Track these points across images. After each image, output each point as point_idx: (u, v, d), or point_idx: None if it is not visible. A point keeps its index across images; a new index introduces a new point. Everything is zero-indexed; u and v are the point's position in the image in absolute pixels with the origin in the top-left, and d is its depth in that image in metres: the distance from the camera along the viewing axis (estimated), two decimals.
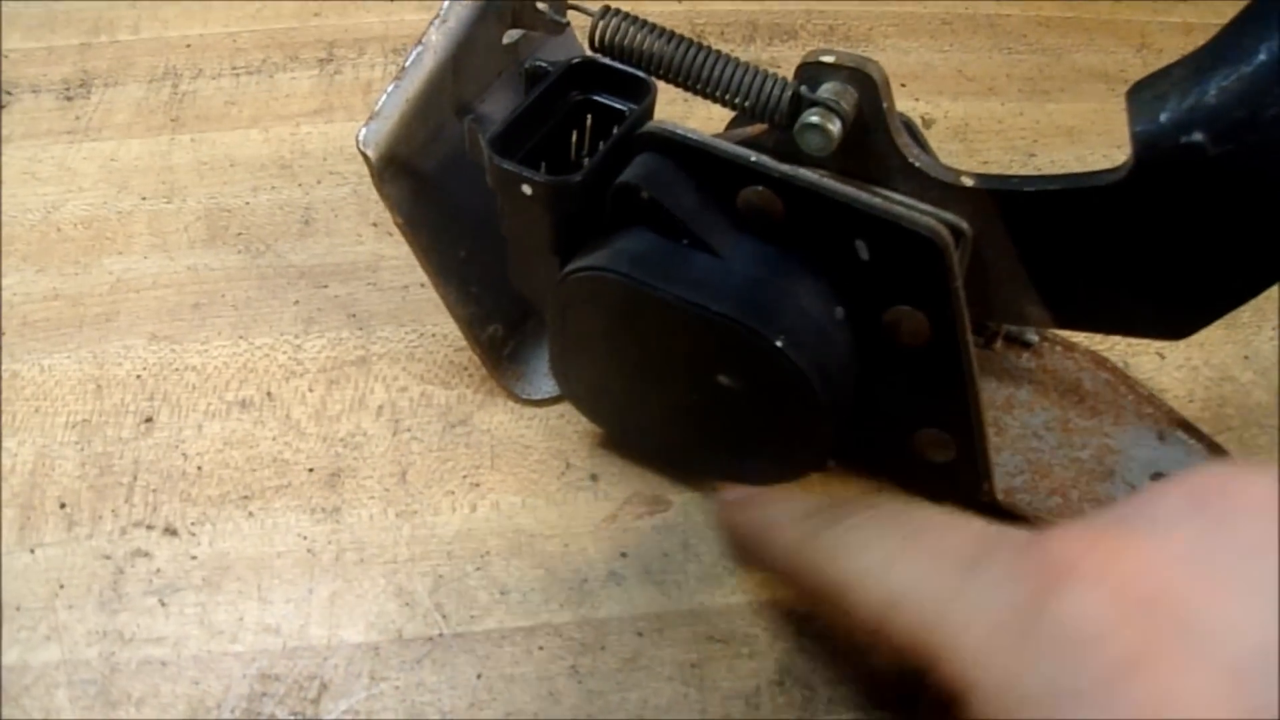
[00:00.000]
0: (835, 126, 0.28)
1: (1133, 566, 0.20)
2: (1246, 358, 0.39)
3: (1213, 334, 0.33)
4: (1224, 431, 0.36)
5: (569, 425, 0.36)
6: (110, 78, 0.50)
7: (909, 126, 0.31)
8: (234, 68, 0.51)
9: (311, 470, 0.35)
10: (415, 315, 0.40)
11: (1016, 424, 0.35)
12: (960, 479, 0.32)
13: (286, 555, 0.33)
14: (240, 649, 0.31)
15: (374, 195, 0.32)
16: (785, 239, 0.29)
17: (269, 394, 0.37)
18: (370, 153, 0.31)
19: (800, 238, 0.29)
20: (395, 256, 0.42)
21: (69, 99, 0.49)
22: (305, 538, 0.34)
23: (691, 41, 0.30)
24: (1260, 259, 0.28)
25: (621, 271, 0.29)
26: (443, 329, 0.39)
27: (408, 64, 0.31)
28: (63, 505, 0.34)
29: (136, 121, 0.48)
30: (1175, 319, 0.30)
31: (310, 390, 0.37)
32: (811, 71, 0.29)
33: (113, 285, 0.41)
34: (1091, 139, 0.48)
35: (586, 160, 0.32)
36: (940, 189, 0.30)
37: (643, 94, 0.32)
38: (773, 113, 0.30)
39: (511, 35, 0.34)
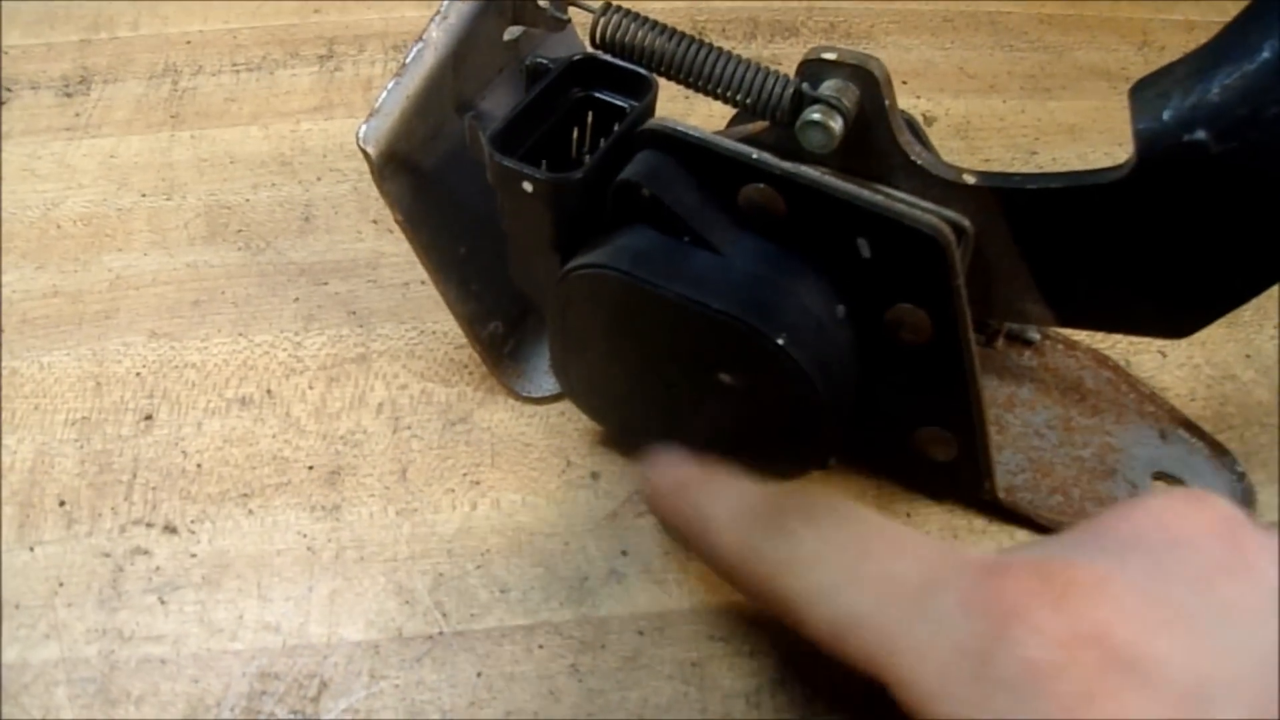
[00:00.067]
0: (837, 124, 0.28)
1: (1080, 606, 0.21)
2: (1248, 356, 0.39)
3: (1214, 333, 0.33)
4: (1225, 430, 0.36)
5: (569, 423, 0.36)
6: (110, 74, 0.50)
7: (910, 124, 0.31)
8: (234, 64, 0.51)
9: (311, 468, 0.35)
10: (415, 313, 0.40)
11: (1018, 422, 0.35)
12: (962, 477, 0.32)
13: (286, 553, 0.33)
14: (240, 647, 0.31)
15: (374, 192, 0.32)
16: (786, 237, 0.29)
17: (269, 391, 0.37)
18: (370, 150, 0.31)
19: (801, 235, 0.29)
20: (395, 254, 0.42)
21: (69, 95, 0.49)
22: (305, 535, 0.33)
23: (693, 38, 0.30)
24: (1262, 258, 0.28)
25: (622, 269, 0.29)
26: (443, 326, 0.39)
27: (408, 61, 0.31)
28: (62, 503, 0.34)
29: (136, 118, 0.48)
30: (1177, 317, 0.30)
31: (310, 388, 0.37)
32: (813, 69, 0.29)
33: (112, 282, 0.41)
34: (1093, 137, 0.48)
35: (587, 157, 0.32)
36: (942, 187, 0.30)
37: (644, 91, 0.32)
38: (774, 110, 0.30)
39: (512, 32, 0.34)
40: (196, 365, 0.38)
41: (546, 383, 0.37)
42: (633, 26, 0.30)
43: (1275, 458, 0.35)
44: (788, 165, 0.28)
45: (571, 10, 0.33)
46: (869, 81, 0.29)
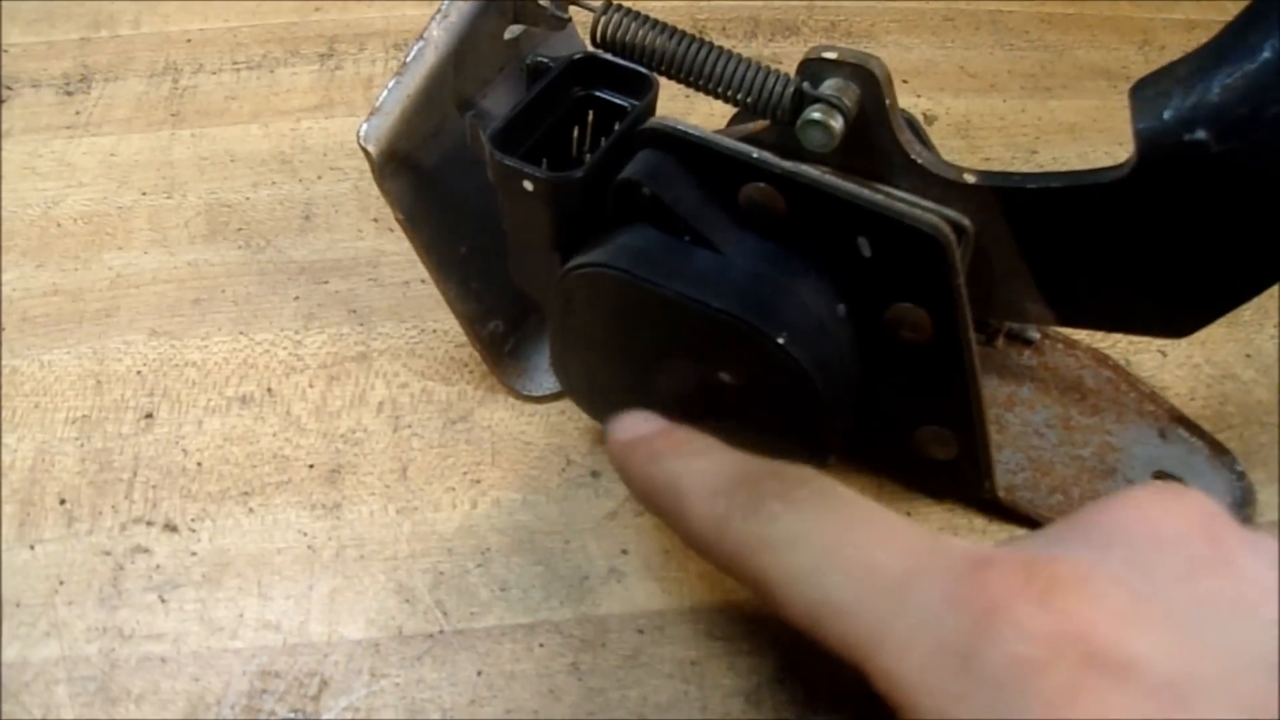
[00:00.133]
0: (837, 123, 0.28)
1: (1063, 602, 0.21)
2: (1248, 356, 0.39)
3: (1214, 332, 0.33)
4: (1225, 429, 0.36)
5: (570, 422, 0.36)
6: (110, 73, 0.50)
7: (911, 123, 0.31)
8: (234, 63, 0.51)
9: (312, 466, 0.35)
10: (416, 311, 0.40)
11: (1018, 421, 0.35)
12: (961, 476, 0.32)
13: (286, 551, 0.33)
14: (240, 645, 0.31)
15: (375, 191, 0.32)
16: (787, 236, 0.29)
17: (269, 390, 0.37)
18: (371, 148, 0.31)
19: (802, 234, 0.29)
20: (396, 252, 0.42)
21: (69, 94, 0.49)
22: (305, 534, 0.33)
23: (693, 37, 0.30)
24: (1262, 257, 0.28)
25: (622, 268, 0.29)
26: (443, 325, 0.39)
27: (409, 59, 0.31)
28: (62, 501, 0.34)
29: (137, 116, 0.48)
30: (1177, 317, 0.30)
31: (310, 386, 0.37)
32: (814, 68, 0.29)
33: (113, 280, 0.41)
34: (1094, 136, 0.48)
35: (588, 156, 0.32)
36: (942, 186, 0.30)
37: (644, 90, 0.32)
38: (775, 109, 0.30)
39: (513, 31, 0.34)
40: (197, 364, 0.38)
41: (547, 381, 0.37)
42: (633, 25, 0.30)
43: (1275, 457, 0.35)
44: (788, 164, 0.28)
45: (572, 9, 0.33)
46: (869, 80, 0.29)
